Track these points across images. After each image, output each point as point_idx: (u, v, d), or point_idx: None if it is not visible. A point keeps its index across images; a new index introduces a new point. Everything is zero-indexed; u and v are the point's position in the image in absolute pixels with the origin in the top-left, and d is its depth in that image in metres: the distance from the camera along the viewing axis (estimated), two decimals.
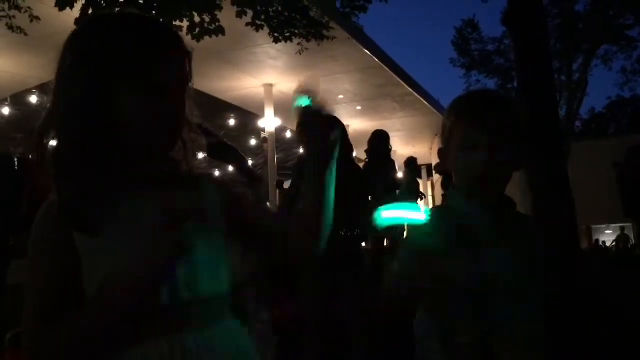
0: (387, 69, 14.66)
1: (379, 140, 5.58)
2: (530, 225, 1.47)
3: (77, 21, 6.26)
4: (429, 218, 1.41)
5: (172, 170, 1.10)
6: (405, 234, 1.45)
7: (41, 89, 13.70)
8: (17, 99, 14.42)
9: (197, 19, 6.96)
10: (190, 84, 1.09)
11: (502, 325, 1.28)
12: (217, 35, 7.10)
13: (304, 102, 1.12)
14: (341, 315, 3.30)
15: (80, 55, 1.00)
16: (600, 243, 18.87)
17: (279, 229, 1.19)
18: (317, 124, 1.12)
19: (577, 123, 21.97)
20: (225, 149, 3.41)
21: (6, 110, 14.21)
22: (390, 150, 5.81)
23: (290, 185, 3.90)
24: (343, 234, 3.19)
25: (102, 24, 1.05)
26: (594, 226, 17.55)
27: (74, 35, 1.04)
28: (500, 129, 1.36)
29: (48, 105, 1.02)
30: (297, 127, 1.21)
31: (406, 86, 15.96)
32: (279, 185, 12.81)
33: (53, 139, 1.01)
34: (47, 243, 0.98)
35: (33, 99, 14.35)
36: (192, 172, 1.13)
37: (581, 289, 4.11)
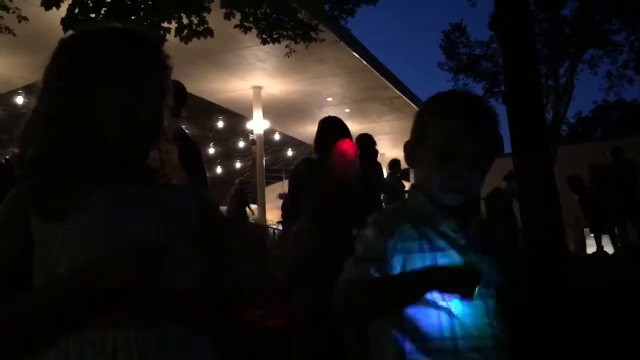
0: (375, 71, 14.71)
1: (365, 144, 5.58)
2: (493, 235, 1.41)
3: (63, 21, 6.23)
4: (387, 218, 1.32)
5: (146, 174, 1.14)
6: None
7: (27, 89, 13.61)
8: (3, 99, 14.29)
9: (185, 20, 6.95)
10: (167, 97, 1.15)
11: (464, 329, 1.24)
12: (205, 37, 7.09)
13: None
14: (334, 317, 3.26)
15: (64, 62, 1.08)
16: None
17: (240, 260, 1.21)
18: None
19: (564, 127, 22.15)
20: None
21: None
22: (376, 153, 5.82)
23: (289, 194, 3.83)
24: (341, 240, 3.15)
25: (87, 35, 1.12)
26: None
27: (61, 45, 1.12)
28: (485, 137, 1.28)
29: (34, 106, 1.09)
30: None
31: (394, 89, 16.03)
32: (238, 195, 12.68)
33: (36, 134, 1.06)
34: (4, 228, 1.03)
35: (19, 100, 14.24)
36: (167, 179, 1.17)
37: (566, 290, 4.14)
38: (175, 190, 1.16)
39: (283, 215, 4.04)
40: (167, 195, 1.12)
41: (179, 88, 3.92)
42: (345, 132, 3.61)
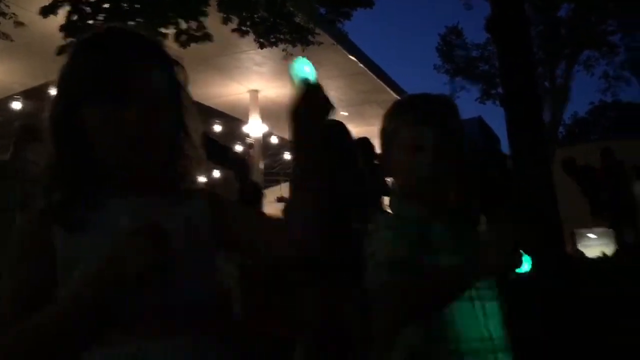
0: (372, 74, 14.72)
1: (364, 148, 5.56)
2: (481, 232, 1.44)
3: (62, 28, 6.23)
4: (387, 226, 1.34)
5: (164, 182, 1.10)
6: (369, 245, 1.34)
7: (25, 94, 13.60)
8: (1, 105, 14.26)
9: (183, 25, 6.95)
10: (183, 97, 1.12)
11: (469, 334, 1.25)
12: (204, 42, 7.09)
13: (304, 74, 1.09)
14: (341, 321, 3.22)
15: (59, 76, 1.06)
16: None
17: (273, 233, 1.16)
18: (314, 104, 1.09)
19: (561, 128, 22.20)
20: (227, 153, 3.38)
21: None
22: (375, 156, 5.80)
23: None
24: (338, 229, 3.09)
25: (77, 44, 1.09)
26: (576, 230, 17.64)
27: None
28: (444, 127, 1.35)
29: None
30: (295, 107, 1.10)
31: (391, 92, 16.01)
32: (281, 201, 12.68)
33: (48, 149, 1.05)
34: (26, 245, 1.02)
35: (16, 105, 14.20)
36: (186, 186, 1.13)
37: (568, 295, 4.13)
38: (191, 199, 1.12)
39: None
40: (183, 206, 1.09)
41: None
42: (348, 136, 3.61)
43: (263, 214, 1.29)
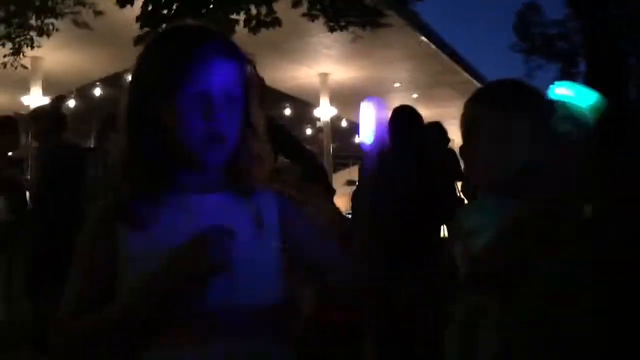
0: (443, 55, 14.40)
1: (433, 133, 5.43)
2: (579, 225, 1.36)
3: (139, 18, 6.41)
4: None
5: (231, 179, 1.10)
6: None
7: (104, 81, 14.22)
8: (82, 92, 14.97)
9: (253, 11, 7.01)
10: (253, 91, 1.09)
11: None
12: (274, 27, 7.13)
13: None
14: (412, 309, 3.15)
15: (135, 67, 1.07)
16: None
17: (333, 263, 1.14)
18: None
19: None
20: (295, 147, 3.32)
21: (72, 103, 14.73)
22: (448, 141, 5.66)
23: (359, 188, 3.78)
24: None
25: (153, 42, 1.10)
26: None
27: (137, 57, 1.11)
28: (533, 115, 1.26)
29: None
30: None
31: (464, 73, 15.63)
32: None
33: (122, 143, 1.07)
34: (90, 241, 1.04)
35: (97, 92, 14.88)
36: (254, 183, 1.11)
37: None
38: (261, 198, 1.11)
39: (353, 207, 4.00)
40: (251, 205, 1.08)
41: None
42: (415, 121, 3.53)
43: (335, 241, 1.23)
